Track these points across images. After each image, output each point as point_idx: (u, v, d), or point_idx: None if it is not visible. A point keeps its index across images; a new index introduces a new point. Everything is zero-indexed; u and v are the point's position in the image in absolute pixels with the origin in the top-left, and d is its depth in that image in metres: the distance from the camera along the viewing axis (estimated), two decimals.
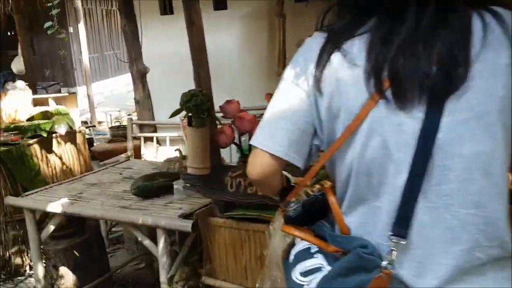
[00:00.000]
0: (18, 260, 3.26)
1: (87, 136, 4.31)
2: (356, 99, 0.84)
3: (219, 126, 1.87)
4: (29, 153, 3.38)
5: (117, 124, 6.47)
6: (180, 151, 2.52)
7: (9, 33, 11.86)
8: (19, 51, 5.71)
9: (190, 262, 2.02)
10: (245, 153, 1.94)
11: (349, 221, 0.90)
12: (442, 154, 0.81)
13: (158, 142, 4.26)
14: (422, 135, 0.81)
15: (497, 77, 0.80)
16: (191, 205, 2.04)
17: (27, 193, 2.40)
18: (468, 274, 0.83)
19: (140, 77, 4.21)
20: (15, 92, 3.75)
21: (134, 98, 4.32)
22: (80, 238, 2.44)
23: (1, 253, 3.20)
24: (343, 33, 0.89)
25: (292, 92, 0.91)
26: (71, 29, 11.54)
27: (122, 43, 14.90)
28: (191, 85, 4.32)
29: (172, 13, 4.05)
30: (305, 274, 0.91)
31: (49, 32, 5.96)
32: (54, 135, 3.63)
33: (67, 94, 4.17)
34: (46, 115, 3.72)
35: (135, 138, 4.25)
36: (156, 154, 4.22)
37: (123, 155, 4.10)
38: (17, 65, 6.19)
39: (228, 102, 1.73)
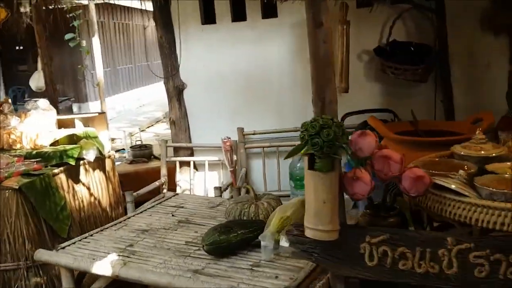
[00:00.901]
0: None
1: None
2: None
3: (345, 169, 1.35)
4: (54, 184, 2.88)
5: (138, 143, 5.94)
6: (251, 189, 2.00)
7: (17, 48, 11.54)
8: (39, 66, 5.24)
9: None
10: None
11: None
12: None
13: (195, 166, 3.76)
14: None
15: None
16: (288, 271, 1.53)
17: (62, 244, 1.89)
18: None
19: (177, 94, 3.73)
20: (37, 112, 3.25)
21: (169, 118, 3.83)
22: None
23: None
24: None
25: None
26: (83, 43, 11.18)
27: (135, 57, 14.60)
28: (234, 104, 3.86)
29: (214, 22, 3.58)
30: None
31: (71, 44, 5.56)
32: (81, 162, 3.13)
33: (96, 113, 3.67)
34: (72, 139, 3.23)
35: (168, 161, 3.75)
36: (192, 180, 3.71)
37: (156, 182, 3.60)
38: (37, 81, 5.70)
39: (362, 134, 1.23)
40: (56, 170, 2.92)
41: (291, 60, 3.51)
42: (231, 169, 3.66)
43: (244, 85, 3.65)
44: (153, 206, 2.34)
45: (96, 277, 1.81)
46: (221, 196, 3.08)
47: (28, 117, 3.22)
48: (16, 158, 2.96)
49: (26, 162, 2.92)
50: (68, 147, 3.09)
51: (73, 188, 3.06)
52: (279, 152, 3.55)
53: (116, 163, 4.76)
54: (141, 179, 3.81)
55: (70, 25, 5.43)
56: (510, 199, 1.21)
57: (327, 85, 1.21)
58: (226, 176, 3.67)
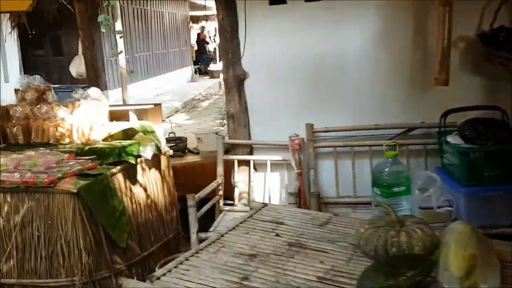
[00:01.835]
0: None
1: None
2: None
3: None
4: (113, 186, 2.49)
5: (171, 135, 5.47)
6: (391, 210, 1.56)
7: (29, 32, 11.07)
8: (79, 50, 4.82)
9: None
10: None
11: None
12: None
13: (254, 167, 3.35)
14: None
15: None
16: None
17: (157, 273, 1.49)
18: None
19: (237, 84, 3.30)
20: (87, 102, 2.85)
21: (228, 112, 3.41)
22: None
23: None
24: None
25: None
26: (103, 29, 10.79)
27: (152, 45, 14.16)
28: (301, 97, 3.29)
29: (284, 2, 3.13)
30: None
31: (103, 28, 5.14)
32: (138, 159, 2.74)
33: (151, 105, 3.26)
34: (126, 134, 2.83)
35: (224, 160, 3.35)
36: (252, 181, 3.31)
37: (214, 183, 3.20)
38: (77, 67, 5.27)
39: None
40: (114, 170, 2.53)
41: (373, 47, 3.07)
42: (299, 170, 3.25)
43: (316, 75, 3.22)
44: (244, 221, 1.94)
45: None
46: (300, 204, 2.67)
47: (77, 107, 2.82)
48: (67, 155, 2.58)
49: (79, 160, 2.54)
50: (125, 143, 2.70)
51: (131, 190, 2.67)
52: (355, 153, 3.14)
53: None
54: (179, 175, 3.35)
55: (104, 5, 5.04)
56: None
57: None
58: (290, 178, 3.26)
